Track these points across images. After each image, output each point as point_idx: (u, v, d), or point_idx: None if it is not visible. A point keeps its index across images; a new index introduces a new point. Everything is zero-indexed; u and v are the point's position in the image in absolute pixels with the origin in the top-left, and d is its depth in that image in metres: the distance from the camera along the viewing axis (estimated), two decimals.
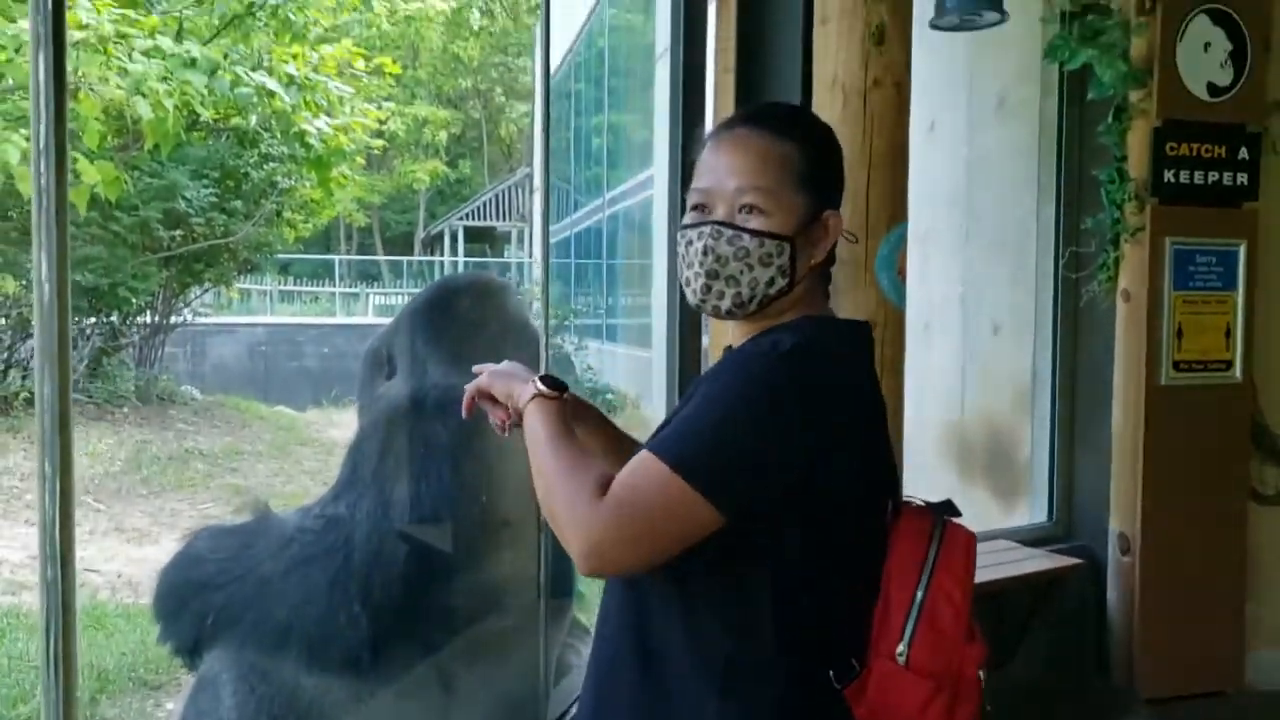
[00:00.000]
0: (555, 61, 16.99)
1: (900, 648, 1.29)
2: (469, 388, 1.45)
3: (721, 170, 1.37)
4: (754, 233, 1.35)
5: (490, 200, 21.44)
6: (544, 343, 1.76)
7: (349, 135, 8.21)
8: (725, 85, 2.73)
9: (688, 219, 1.40)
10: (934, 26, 2.80)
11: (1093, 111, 3.44)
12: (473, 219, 21.59)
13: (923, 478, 4.12)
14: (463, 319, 1.78)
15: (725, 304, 1.37)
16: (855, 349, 1.39)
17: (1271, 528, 3.44)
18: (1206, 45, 3.15)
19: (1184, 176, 3.18)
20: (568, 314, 11.92)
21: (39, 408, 0.85)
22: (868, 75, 2.35)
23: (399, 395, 1.68)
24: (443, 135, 22.94)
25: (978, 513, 4.04)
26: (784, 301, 1.38)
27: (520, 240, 20.95)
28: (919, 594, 1.31)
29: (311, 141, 7.40)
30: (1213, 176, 3.19)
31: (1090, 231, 3.41)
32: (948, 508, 1.40)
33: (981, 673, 1.34)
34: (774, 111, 1.50)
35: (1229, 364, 3.26)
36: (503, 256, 21.97)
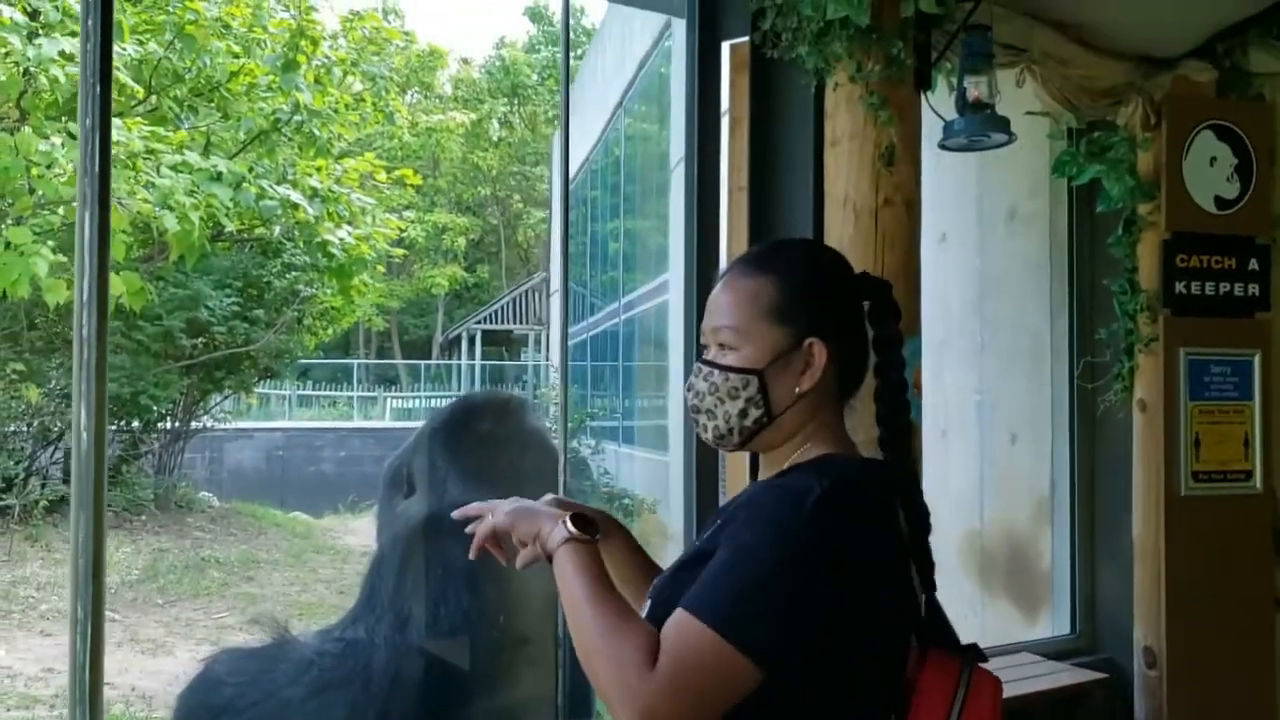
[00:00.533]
0: (573, 169, 17.27)
1: None
2: (480, 531, 1.45)
3: (711, 310, 1.45)
4: (722, 368, 1.41)
5: (507, 304, 21.66)
6: (563, 447, 1.78)
7: (370, 244, 8.38)
8: (739, 202, 2.79)
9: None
10: (942, 147, 2.87)
11: (1102, 224, 3.49)
12: (490, 323, 21.79)
13: (943, 587, 4.07)
14: (482, 436, 1.80)
15: (709, 436, 1.43)
16: (881, 488, 1.40)
17: None
18: (1212, 160, 3.20)
19: (1195, 288, 3.20)
20: (584, 417, 11.94)
21: (73, 552, 0.88)
22: (878, 195, 2.40)
23: (417, 514, 1.69)
24: (461, 241, 23.32)
25: (999, 624, 4.00)
26: (786, 427, 1.41)
27: (537, 343, 21.10)
28: None
29: (334, 251, 7.56)
30: (1224, 287, 3.22)
31: (1104, 342, 3.43)
32: (974, 652, 1.40)
33: None
34: (762, 247, 1.56)
35: (1249, 474, 3.24)
36: (519, 359, 22.12)
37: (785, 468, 1.38)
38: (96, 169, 0.98)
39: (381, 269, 9.96)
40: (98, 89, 1.11)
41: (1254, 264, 3.25)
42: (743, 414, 1.41)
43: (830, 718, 1.28)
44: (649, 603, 1.36)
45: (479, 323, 21.62)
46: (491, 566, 1.53)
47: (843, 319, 1.43)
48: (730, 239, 2.80)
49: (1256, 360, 3.25)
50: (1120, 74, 3.18)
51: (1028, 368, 3.85)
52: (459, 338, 22.80)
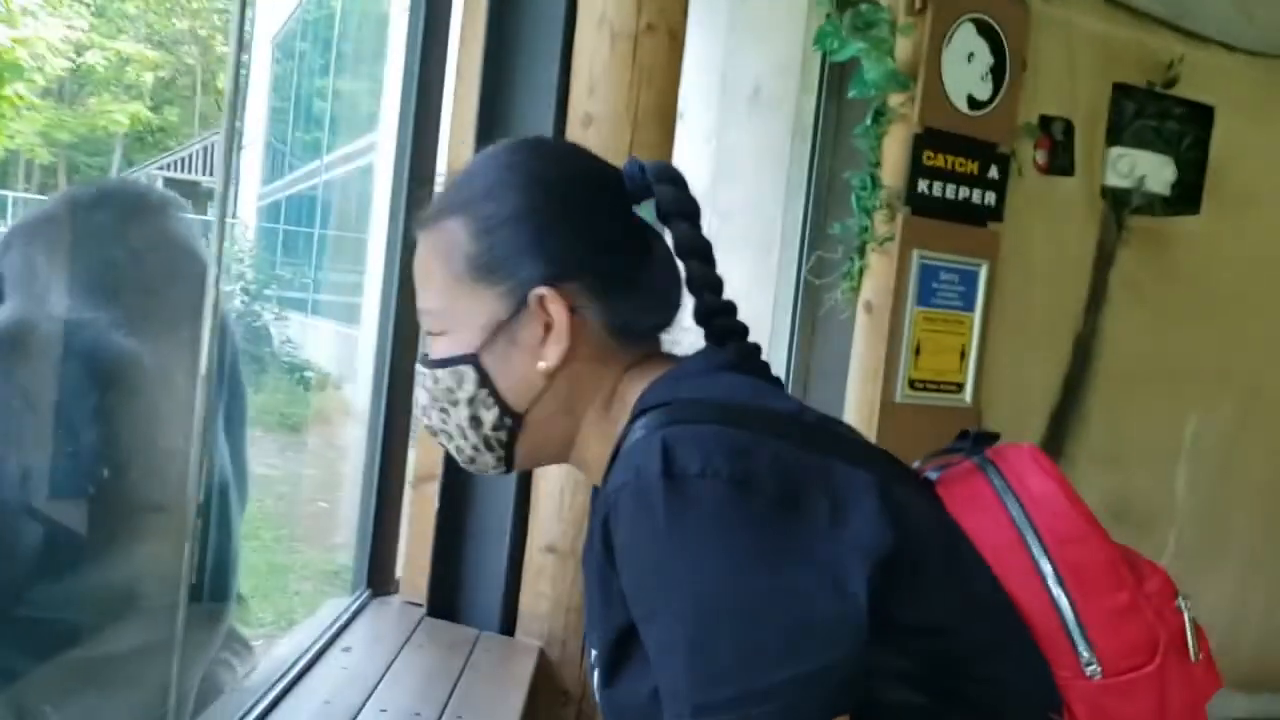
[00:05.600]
0: (282, 17, 15.98)
1: (1084, 654, 0.97)
2: None
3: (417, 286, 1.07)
4: (430, 365, 1.04)
5: (197, 153, 19.92)
6: (216, 293, 1.33)
7: (28, 49, 7.22)
8: (473, 33, 2.33)
9: None
10: None
11: (849, 113, 3.31)
12: (176, 171, 19.99)
13: None
14: (103, 235, 1.33)
15: (465, 463, 1.07)
16: (750, 384, 1.04)
17: None
18: (970, 56, 3.06)
19: (936, 189, 3.07)
20: (269, 281, 11.10)
21: None
22: (640, 18, 2.05)
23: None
24: (148, 77, 21.10)
25: None
26: (557, 425, 1.05)
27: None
28: (1045, 568, 0.98)
29: None
30: (964, 192, 3.11)
31: (837, 237, 3.26)
32: (977, 441, 1.10)
33: (1182, 600, 1.03)
34: (453, 176, 1.11)
35: (960, 386, 3.18)
36: (205, 214, 20.49)
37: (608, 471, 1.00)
38: None
39: (40, 82, 8.71)
40: None
41: (994, 171, 3.16)
42: (475, 422, 1.03)
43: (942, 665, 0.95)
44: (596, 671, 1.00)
45: (162, 169, 19.78)
46: (105, 401, 1.10)
47: (588, 240, 1.03)
48: (461, 69, 2.34)
49: (983, 271, 3.18)
50: None
51: (756, 260, 3.66)
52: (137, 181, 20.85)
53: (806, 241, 3.46)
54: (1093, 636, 0.97)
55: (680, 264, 1.08)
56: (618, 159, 2.03)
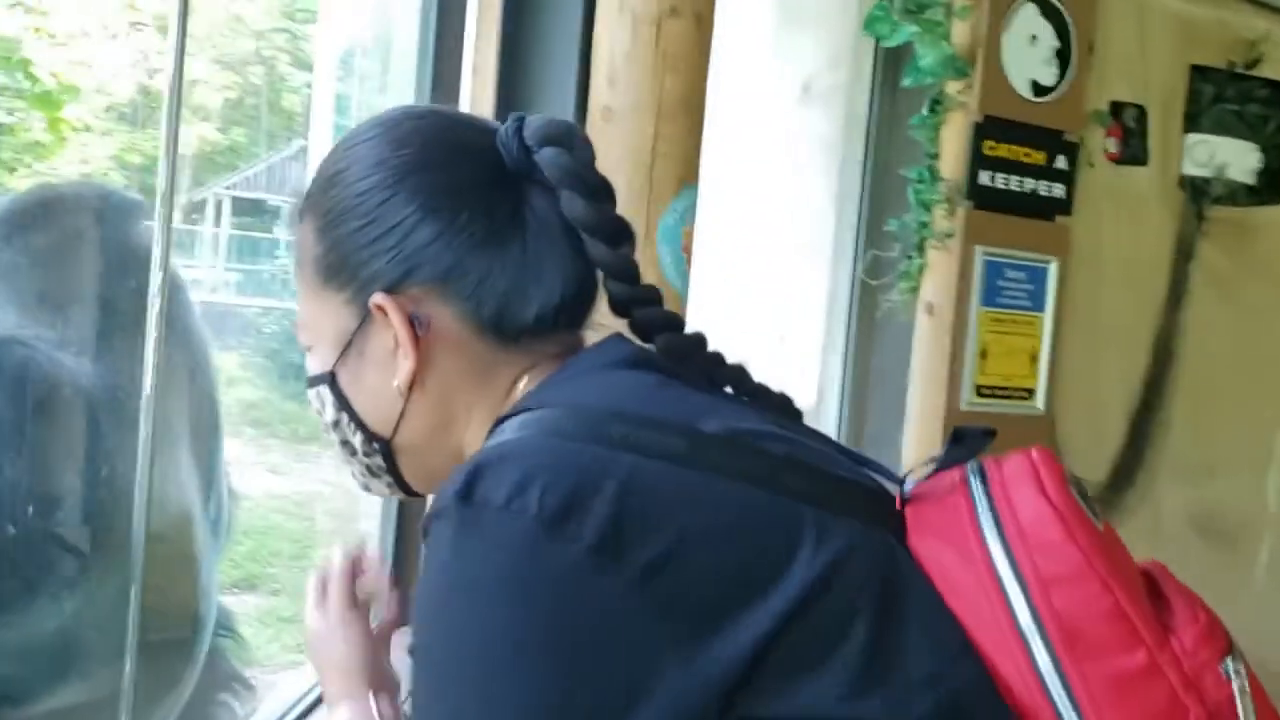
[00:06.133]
0: (353, 32, 16.07)
1: None
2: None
3: None
4: (307, 384, 0.90)
5: (262, 172, 20.18)
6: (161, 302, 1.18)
7: (91, 72, 7.28)
8: (488, 27, 2.19)
9: None
10: None
11: (905, 103, 3.12)
12: (244, 190, 20.26)
13: None
14: (53, 245, 1.20)
15: (370, 493, 0.94)
16: (654, 384, 0.86)
17: None
18: (1033, 38, 2.86)
19: (1000, 181, 2.88)
20: None
21: None
22: (664, 1, 1.89)
23: None
24: (217, 99, 21.47)
25: None
26: (434, 446, 0.88)
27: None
28: (1023, 617, 0.75)
29: (36, 74, 6.48)
30: (1029, 184, 2.91)
31: (893, 235, 3.07)
32: (969, 443, 0.87)
33: (1231, 663, 0.77)
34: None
35: (1031, 392, 2.98)
36: (271, 232, 20.70)
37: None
38: None
39: (104, 105, 8.78)
40: None
41: (1062, 161, 2.95)
42: (348, 448, 0.89)
43: None
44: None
45: (229, 189, 20.06)
46: (38, 431, 0.98)
47: (434, 228, 0.86)
48: (477, 66, 2.19)
49: (1053, 269, 2.97)
50: None
51: (807, 262, 3.47)
52: (205, 202, 21.19)
53: (861, 240, 3.26)
54: (1087, 711, 0.74)
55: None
56: (641, 154, 1.89)
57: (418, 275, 0.85)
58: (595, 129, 1.90)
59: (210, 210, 21.98)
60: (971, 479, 0.84)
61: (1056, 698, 0.73)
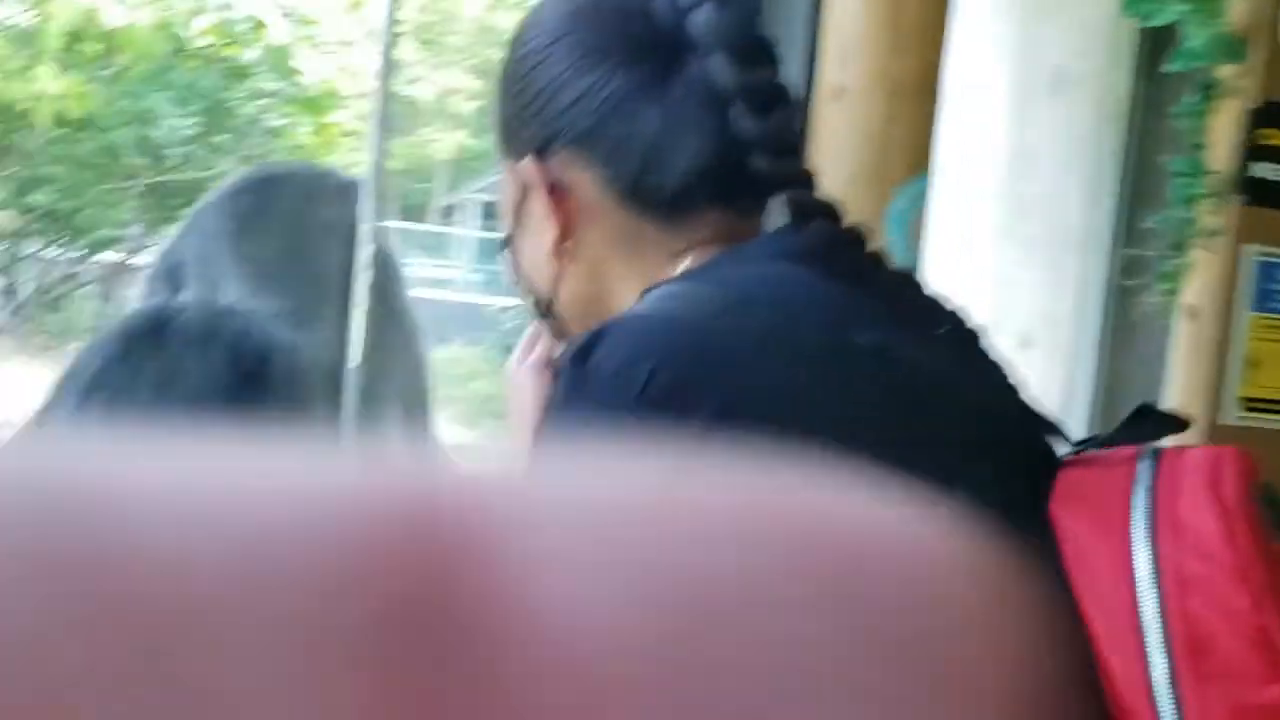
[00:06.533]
0: None
1: None
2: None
3: None
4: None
5: None
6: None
7: (354, 79, 7.71)
8: None
9: None
10: None
11: (1168, 90, 2.88)
12: (493, 193, 21.08)
13: None
14: (283, 221, 1.24)
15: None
16: (810, 280, 0.80)
17: None
18: None
19: (1275, 174, 2.61)
20: None
21: None
22: None
23: (149, 310, 1.13)
24: (470, 106, 22.38)
25: None
26: (587, 310, 0.86)
27: None
28: (1150, 623, 0.65)
29: (302, 81, 6.92)
30: None
31: (1153, 233, 2.85)
32: (1151, 424, 0.83)
33: None
34: None
35: None
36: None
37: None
38: None
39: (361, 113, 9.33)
40: None
41: None
42: (531, 307, 0.92)
43: None
44: None
45: (481, 190, 20.91)
46: (248, 399, 1.00)
47: (576, 91, 0.82)
48: None
49: None
50: None
51: (1055, 260, 3.27)
52: (459, 206, 22.15)
53: (1116, 239, 3.05)
54: (1186, 695, 0.63)
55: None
56: (871, 137, 1.80)
57: (561, 140, 0.84)
58: (824, 108, 1.82)
59: (465, 213, 23.00)
60: (1143, 458, 0.77)
61: (1164, 713, 0.63)
